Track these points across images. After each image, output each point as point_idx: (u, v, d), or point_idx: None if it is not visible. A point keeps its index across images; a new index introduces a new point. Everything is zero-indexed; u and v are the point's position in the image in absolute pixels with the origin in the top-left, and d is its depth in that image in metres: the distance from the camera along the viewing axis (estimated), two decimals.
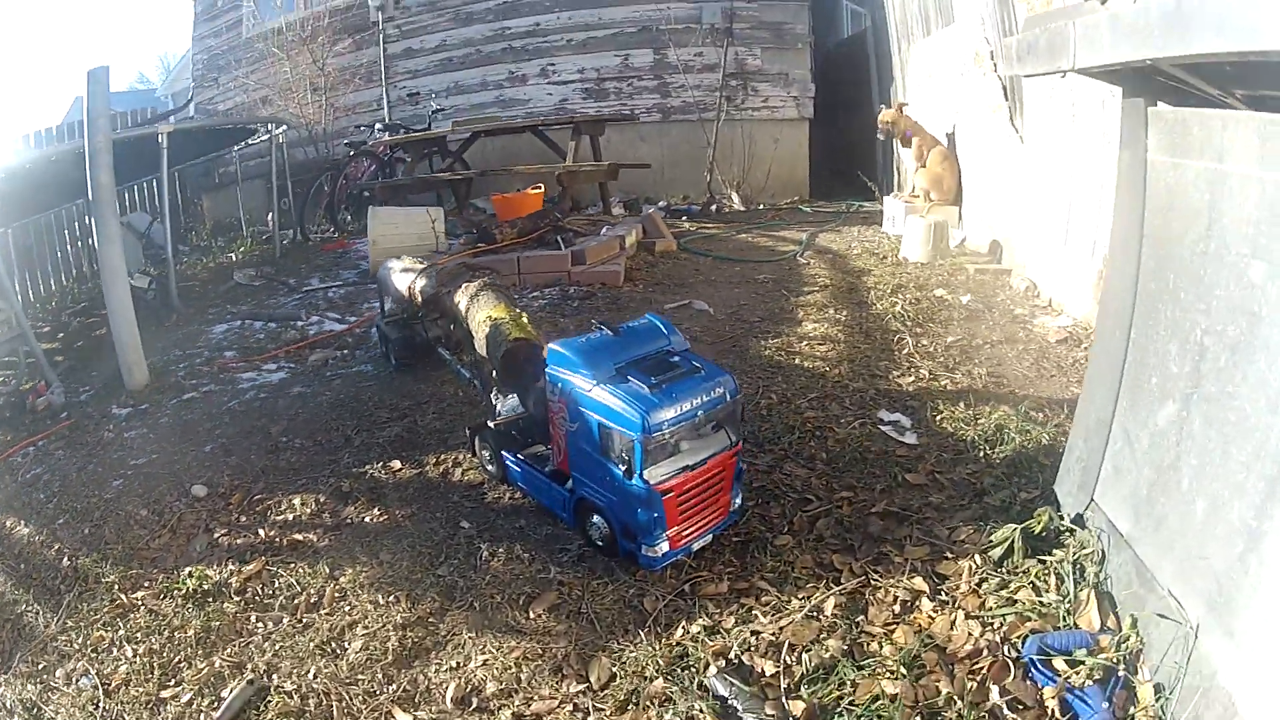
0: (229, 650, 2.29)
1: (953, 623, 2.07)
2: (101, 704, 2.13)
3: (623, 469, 2.30)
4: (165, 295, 5.97)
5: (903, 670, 1.91)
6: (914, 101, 7.07)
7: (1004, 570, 2.25)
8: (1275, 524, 1.51)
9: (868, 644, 2.06)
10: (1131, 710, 1.75)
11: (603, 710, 1.92)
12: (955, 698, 1.84)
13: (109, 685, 2.19)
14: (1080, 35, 1.96)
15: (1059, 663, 1.85)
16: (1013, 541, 2.28)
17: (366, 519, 2.93)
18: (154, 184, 8.49)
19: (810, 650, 2.02)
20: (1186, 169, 1.92)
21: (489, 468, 3.08)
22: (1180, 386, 1.90)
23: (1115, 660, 1.83)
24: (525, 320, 2.97)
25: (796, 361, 4.07)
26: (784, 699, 1.89)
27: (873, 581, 2.31)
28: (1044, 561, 2.21)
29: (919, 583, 2.26)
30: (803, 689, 1.92)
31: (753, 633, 2.12)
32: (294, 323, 5.40)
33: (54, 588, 2.73)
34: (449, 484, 3.13)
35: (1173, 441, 1.92)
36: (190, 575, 2.62)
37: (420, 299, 3.71)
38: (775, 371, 3.92)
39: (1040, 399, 3.42)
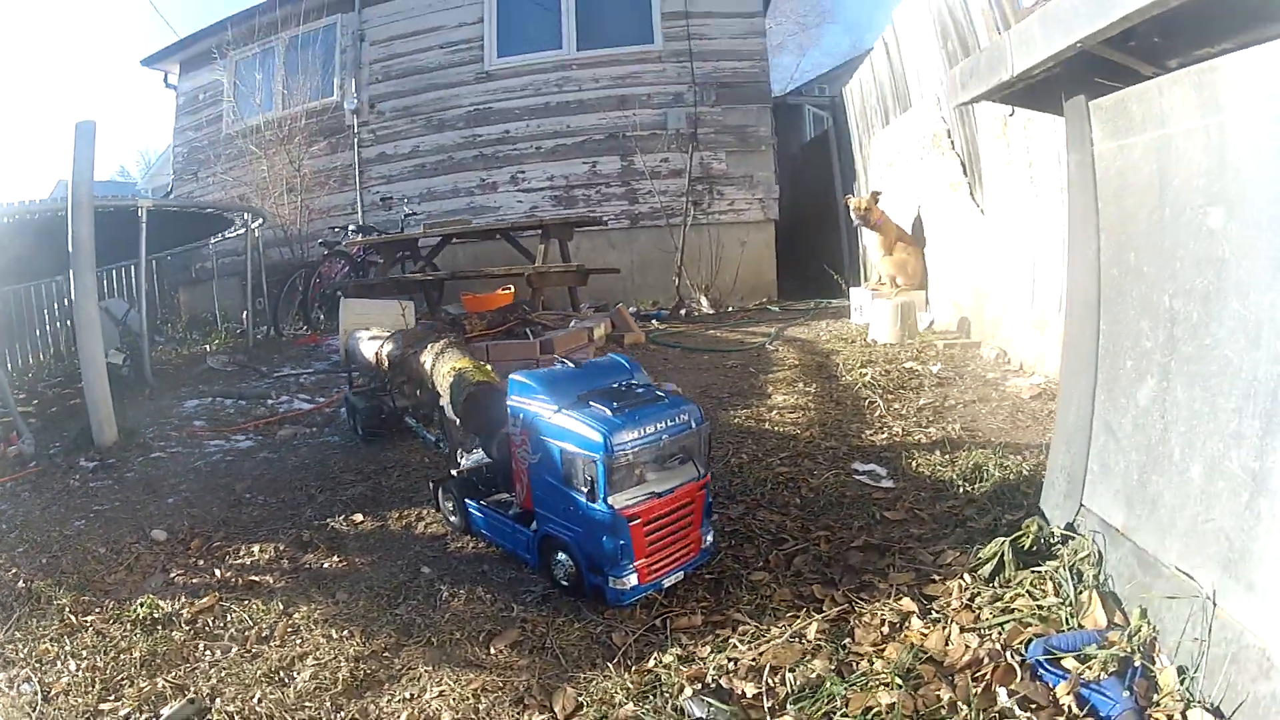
0: (173, 674, 2.17)
1: (947, 638, 1.92)
2: (39, 708, 2.04)
3: (586, 494, 2.19)
4: (139, 371, 6.00)
5: (898, 681, 1.75)
6: (876, 189, 7.31)
7: (995, 585, 2.14)
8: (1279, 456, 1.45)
9: (856, 663, 1.90)
10: (1155, 697, 1.62)
11: None
12: (959, 703, 1.68)
13: (49, 692, 2.12)
14: (1015, 41, 2.11)
15: (1069, 662, 1.73)
16: (1002, 555, 2.17)
17: (325, 564, 2.83)
18: (132, 271, 8.67)
19: (794, 671, 1.86)
20: (1132, 148, 1.98)
21: (452, 519, 2.97)
22: (1156, 359, 1.88)
23: (1130, 650, 1.71)
24: (489, 369, 2.91)
25: (767, 427, 4.02)
26: (768, 718, 1.72)
27: (857, 608, 2.17)
28: (1038, 571, 2.11)
29: (907, 603, 2.12)
30: (789, 708, 1.75)
31: (730, 659, 1.96)
32: (264, 401, 5.40)
33: (6, 604, 2.68)
34: (411, 535, 3.03)
35: (1157, 416, 1.88)
36: (141, 604, 2.53)
37: (387, 363, 3.65)
38: (745, 436, 3.86)
39: (1017, 444, 3.38)
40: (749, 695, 1.78)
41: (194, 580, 2.78)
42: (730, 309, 8.78)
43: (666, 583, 2.29)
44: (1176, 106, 1.77)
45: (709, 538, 2.41)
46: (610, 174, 9.41)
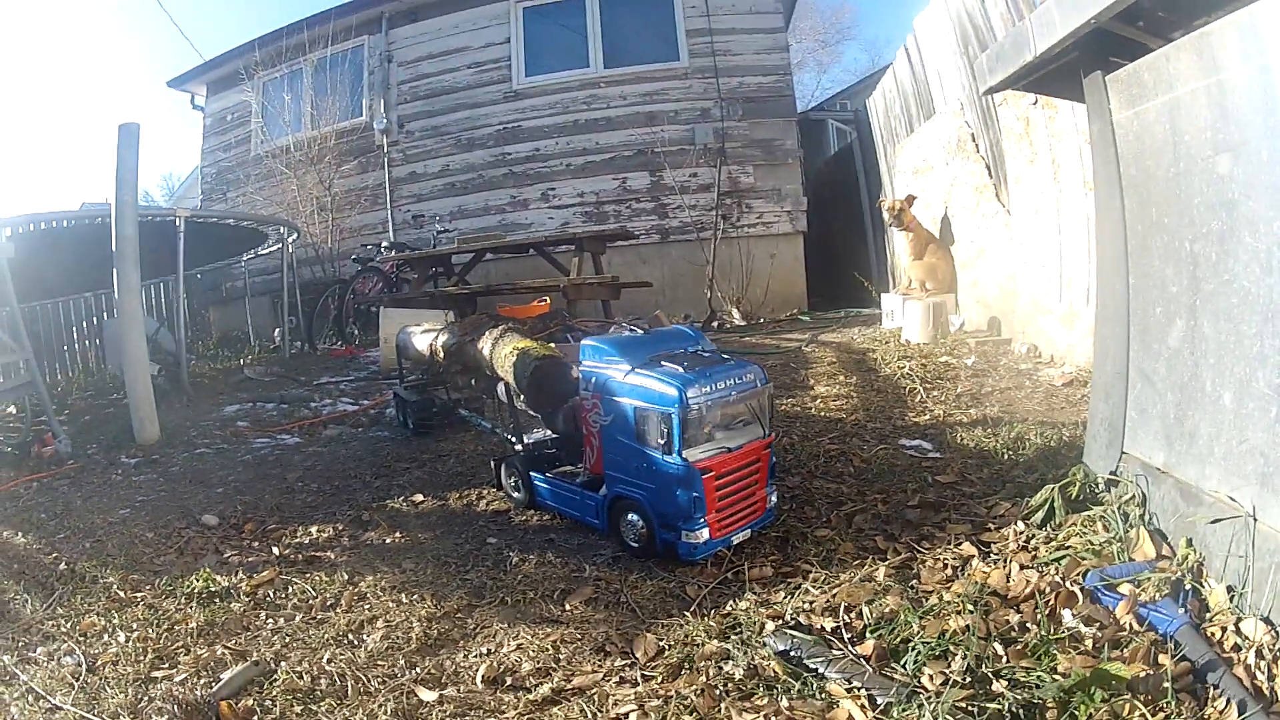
0: (233, 641, 2.17)
1: (1008, 575, 2.05)
2: (83, 678, 1.99)
3: (661, 449, 2.30)
4: (176, 381, 6.06)
5: (969, 608, 1.85)
6: (902, 197, 7.41)
7: (1048, 529, 2.27)
8: None
9: (925, 598, 2.01)
10: (1208, 615, 1.73)
11: (653, 678, 1.81)
12: (1028, 624, 1.79)
13: (94, 663, 2.08)
14: (1036, 24, 2.30)
15: (1124, 588, 1.85)
16: (1052, 501, 2.31)
17: (387, 540, 2.88)
18: (162, 290, 8.79)
19: (869, 606, 1.96)
20: (1147, 112, 2.15)
21: (515, 495, 3.08)
22: (1183, 301, 2.04)
23: (1180, 575, 1.82)
24: (553, 346, 3.04)
25: (813, 413, 4.14)
26: (849, 645, 1.81)
27: (919, 555, 2.29)
28: (1087, 515, 2.23)
29: (967, 548, 2.25)
30: (867, 637, 1.85)
31: (806, 601, 2.06)
32: (307, 404, 5.43)
33: (48, 584, 2.64)
34: (474, 512, 3.11)
35: (1188, 355, 2.01)
36: (197, 578, 2.53)
37: (443, 354, 3.78)
38: (794, 420, 3.98)
39: (1055, 422, 3.50)
40: (828, 629, 1.89)
41: (250, 559, 2.77)
42: (762, 320, 8.83)
43: (735, 539, 2.41)
44: (1182, 71, 1.96)
45: (773, 498, 2.53)
46: (640, 189, 9.52)
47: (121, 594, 2.49)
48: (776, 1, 9.54)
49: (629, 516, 2.47)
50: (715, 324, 8.64)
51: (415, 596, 2.34)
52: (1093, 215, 4.25)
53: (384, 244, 9.13)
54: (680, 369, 2.30)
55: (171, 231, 6.06)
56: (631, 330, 2.66)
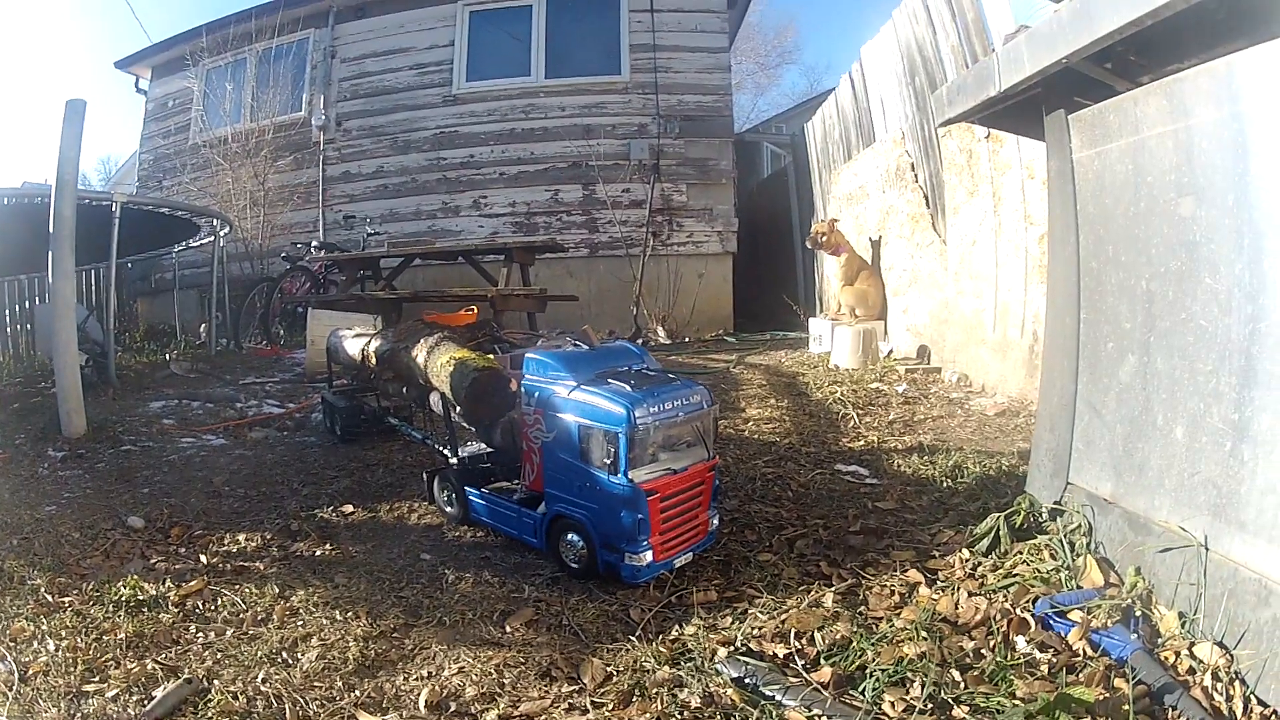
0: (163, 655, 2.03)
1: (956, 602, 2.04)
2: (15, 687, 1.88)
3: (606, 469, 2.22)
4: (103, 373, 5.86)
5: (923, 634, 1.84)
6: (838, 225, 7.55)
7: (994, 558, 2.28)
8: (1256, 406, 1.64)
9: (876, 625, 1.98)
10: (1160, 640, 1.76)
11: (604, 705, 1.73)
12: (982, 650, 1.79)
13: (25, 672, 1.95)
14: (1003, 59, 2.34)
15: (1075, 615, 1.87)
16: (997, 530, 2.32)
17: (318, 552, 2.74)
18: (92, 276, 8.48)
19: (820, 633, 1.92)
20: (1109, 153, 2.20)
21: (449, 509, 2.95)
22: (1136, 337, 2.08)
23: (1130, 602, 1.85)
24: (491, 357, 2.92)
25: (746, 435, 4.13)
26: (804, 672, 1.77)
27: (865, 581, 2.26)
28: (1032, 543, 2.26)
29: (913, 575, 2.24)
30: (822, 663, 1.81)
31: (755, 627, 2.00)
32: (233, 404, 5.25)
33: None
34: (405, 526, 2.98)
35: (1139, 389, 2.06)
36: (124, 586, 2.38)
37: (375, 360, 3.62)
38: (727, 443, 3.95)
39: (990, 451, 3.56)
40: (780, 656, 1.84)
41: (177, 566, 2.65)
42: (687, 339, 8.85)
43: (678, 563, 2.34)
44: (1150, 114, 2.01)
45: (715, 521, 2.48)
46: (572, 202, 9.45)
47: (49, 598, 2.36)
48: (722, 22, 9.63)
49: (569, 536, 2.38)
50: (640, 341, 8.57)
51: (350, 614, 2.22)
52: (1030, 249, 4.43)
53: (314, 243, 8.86)
54: (628, 387, 2.24)
55: (106, 217, 5.83)
56: (575, 345, 2.57)
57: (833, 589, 2.19)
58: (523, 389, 2.48)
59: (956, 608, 2.01)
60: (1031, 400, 4.10)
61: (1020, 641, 1.80)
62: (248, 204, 9.70)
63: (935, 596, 2.09)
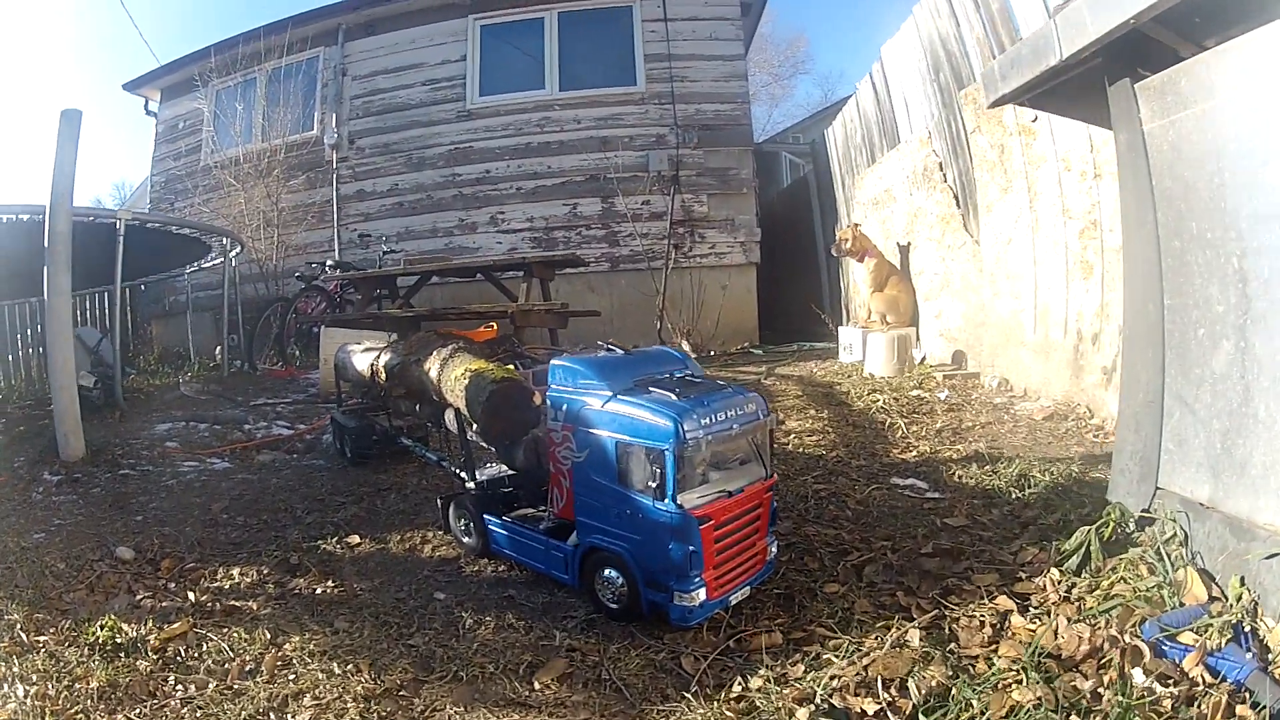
0: (137, 710, 1.80)
1: (1056, 631, 1.83)
2: None
3: (651, 493, 1.91)
4: (110, 395, 5.75)
5: (1033, 677, 1.56)
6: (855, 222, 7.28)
7: (1085, 576, 2.08)
8: None
9: (973, 665, 1.70)
10: (1270, 656, 1.64)
11: None
12: (1100, 690, 1.54)
13: None
14: (1062, 25, 2.21)
15: (1185, 636, 1.73)
16: (1088, 545, 2.15)
17: (318, 590, 2.48)
18: (105, 299, 8.41)
19: (912, 680, 1.63)
20: (1184, 121, 2.06)
21: (466, 540, 2.66)
22: (1230, 320, 1.94)
23: (1238, 616, 1.73)
24: (511, 367, 2.64)
25: (790, 449, 3.87)
26: None
27: (949, 612, 1.99)
28: (1125, 558, 2.09)
29: (1004, 602, 2.00)
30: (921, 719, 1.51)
31: (833, 676, 1.70)
32: (241, 426, 5.08)
33: None
34: (418, 559, 2.71)
35: (1237, 379, 1.91)
36: (102, 626, 2.19)
37: (384, 375, 3.35)
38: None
39: (1051, 457, 3.35)
40: (870, 713, 1.54)
41: (163, 604, 2.43)
42: (712, 352, 8.58)
43: (734, 599, 2.03)
44: (1226, 77, 1.87)
45: (773, 549, 2.18)
46: (591, 216, 9.16)
47: (24, 636, 2.20)
48: (737, 29, 9.40)
49: (606, 572, 2.07)
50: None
51: (350, 666, 1.94)
52: (1071, 244, 4.24)
53: (329, 263, 8.67)
54: (673, 396, 1.94)
55: (114, 237, 5.72)
56: (609, 350, 2.26)
57: (915, 623, 1.92)
58: (549, 402, 2.18)
59: (1057, 637, 1.81)
60: (1078, 403, 4.00)
61: (1137, 674, 1.61)
62: (261, 224, 9.50)
63: (1032, 626, 1.88)
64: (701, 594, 1.91)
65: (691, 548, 1.88)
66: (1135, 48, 2.13)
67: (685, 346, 8.48)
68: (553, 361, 2.18)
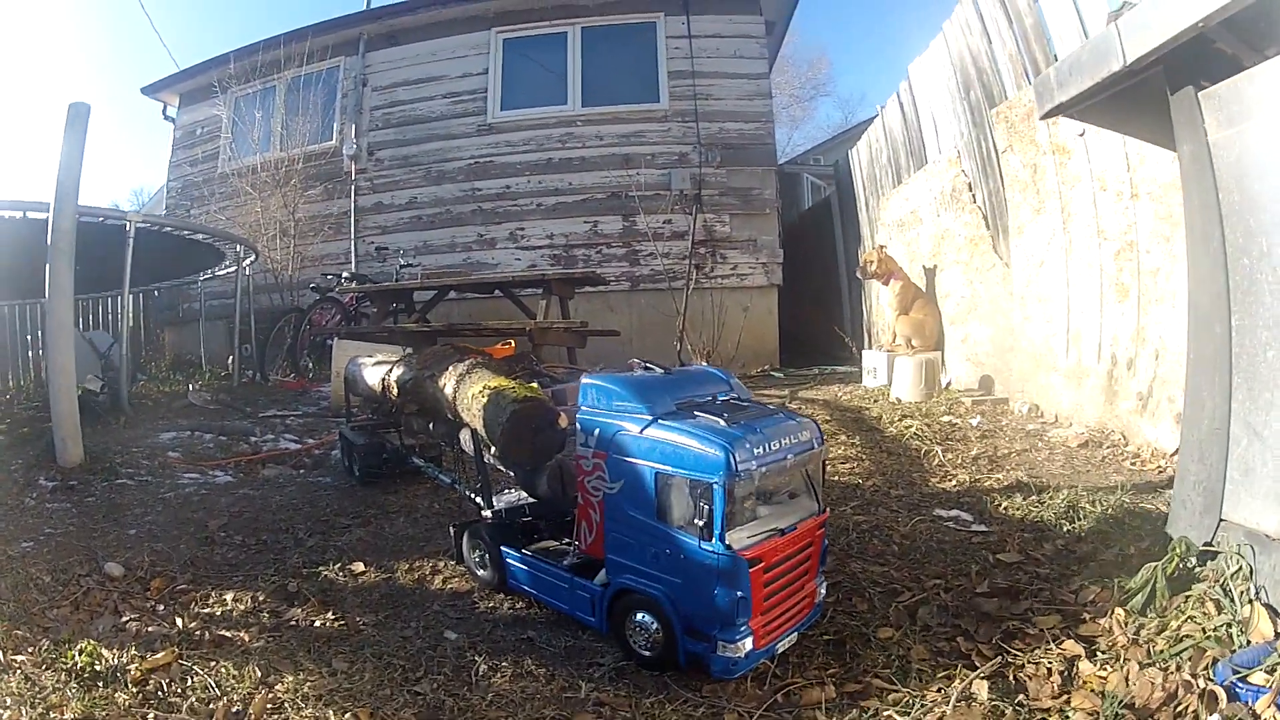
0: None
1: (1127, 677, 1.74)
2: None
3: (694, 532, 1.73)
4: (116, 400, 5.65)
5: None
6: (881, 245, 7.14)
7: (1151, 615, 1.98)
8: None
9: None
10: None
11: None
12: None
13: None
14: (1125, 30, 2.14)
15: (1257, 677, 1.65)
16: (1153, 583, 2.02)
17: (317, 622, 2.31)
18: (115, 303, 8.40)
19: None
20: (1249, 131, 1.98)
21: (481, 573, 2.48)
22: None
23: None
24: (535, 385, 2.46)
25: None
26: None
27: (1012, 659, 1.85)
28: (1189, 595, 1.98)
29: (1071, 646, 1.87)
30: None
31: None
32: (247, 438, 4.97)
33: None
34: (427, 591, 2.54)
35: None
36: (82, 651, 2.04)
37: (396, 390, 3.19)
38: None
39: (1097, 486, 3.22)
40: None
41: (149, 628, 2.28)
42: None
43: (780, 647, 1.84)
44: None
45: (822, 590, 1.99)
46: (612, 234, 8.99)
47: (1, 654, 2.07)
48: (761, 47, 9.29)
49: (639, 616, 1.88)
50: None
51: (348, 716, 1.75)
52: (1106, 266, 4.13)
53: (344, 274, 8.58)
54: (721, 422, 1.75)
55: (125, 241, 5.66)
56: (646, 368, 2.08)
57: (978, 673, 1.75)
58: (579, 425, 2.00)
59: (1128, 684, 1.72)
60: (1112, 430, 3.91)
61: None
62: (277, 234, 9.38)
63: (1103, 674, 1.78)
64: (748, 644, 1.72)
65: (740, 593, 1.69)
66: (1197, 56, 2.07)
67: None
68: (584, 380, 2.00)
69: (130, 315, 6.53)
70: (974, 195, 5.62)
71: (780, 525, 1.80)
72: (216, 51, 10.91)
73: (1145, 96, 2.40)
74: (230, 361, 8.07)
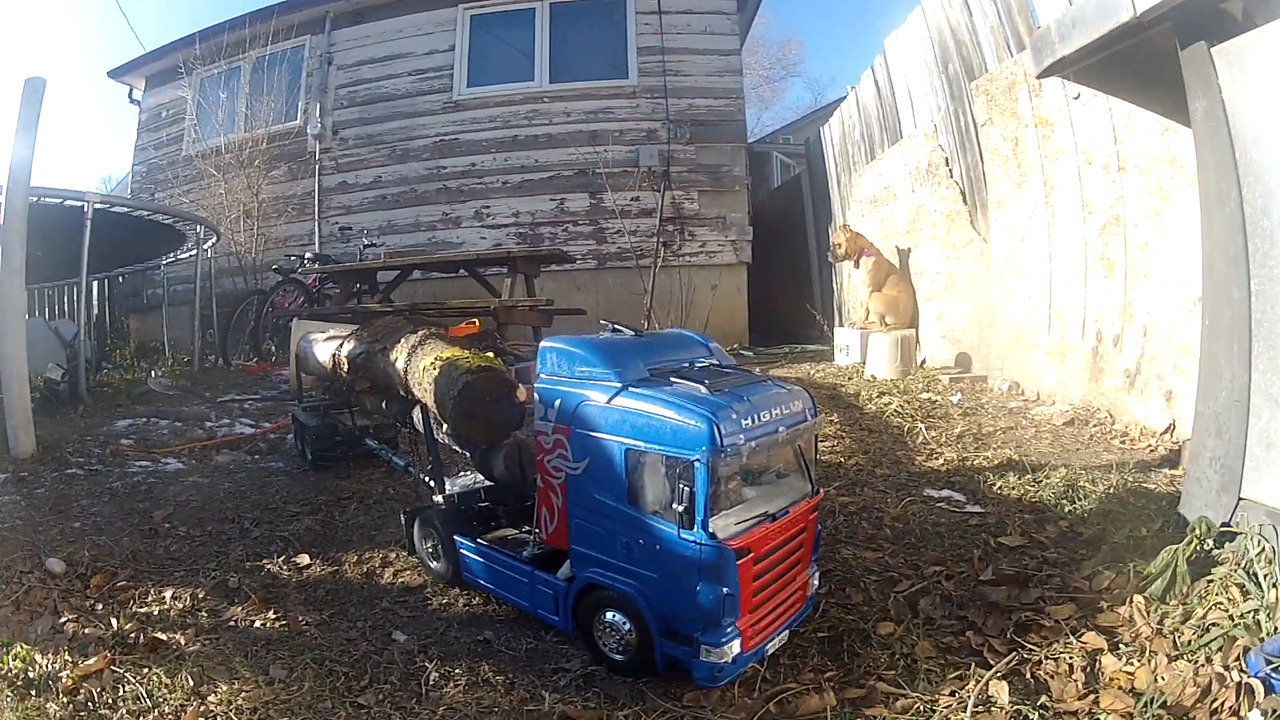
0: None
1: (1155, 671, 1.61)
2: None
3: (672, 519, 1.50)
4: (75, 389, 5.55)
5: None
6: (858, 230, 7.01)
7: (1173, 601, 1.86)
8: None
9: None
10: None
11: None
12: None
13: None
14: None
15: None
16: (1174, 567, 1.90)
17: (257, 622, 2.11)
18: (80, 291, 8.07)
19: None
20: (1272, 87, 1.91)
21: (434, 564, 2.24)
22: None
23: None
24: (491, 355, 2.21)
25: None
26: None
27: (1028, 655, 1.68)
28: (1212, 580, 1.87)
29: (1092, 639, 1.72)
30: None
31: None
32: (203, 423, 4.83)
33: None
34: (376, 586, 2.32)
35: None
36: (16, 657, 1.95)
37: (347, 366, 2.92)
38: None
39: (1095, 464, 3.10)
40: None
41: (86, 630, 2.14)
42: None
43: (770, 647, 1.61)
44: None
45: (815, 581, 1.76)
46: (578, 212, 8.82)
47: None
48: (732, 24, 9.11)
49: (609, 615, 1.65)
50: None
51: None
52: (1090, 240, 4.03)
53: (307, 255, 8.36)
54: (702, 389, 1.51)
55: (84, 222, 5.52)
56: (615, 330, 1.83)
57: (993, 672, 1.56)
58: (537, 396, 1.75)
59: (1157, 679, 1.60)
60: (1098, 408, 3.83)
61: (1254, 716, 1.43)
62: (241, 215, 9.21)
63: (1130, 669, 1.64)
64: (735, 646, 1.50)
65: (726, 589, 1.46)
66: (1206, 13, 2.01)
67: None
68: (543, 344, 1.74)
69: (94, 302, 6.26)
70: (951, 170, 5.50)
71: (770, 509, 1.57)
72: (182, 33, 10.71)
73: (1145, 57, 2.31)
74: (194, 344, 7.86)
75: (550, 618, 1.82)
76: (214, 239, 7.80)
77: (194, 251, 7.86)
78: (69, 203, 5.59)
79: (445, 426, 2.20)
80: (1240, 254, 2.03)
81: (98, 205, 5.57)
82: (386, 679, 1.76)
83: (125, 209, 6.67)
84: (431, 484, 2.32)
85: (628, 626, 1.61)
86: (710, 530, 1.46)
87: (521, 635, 1.91)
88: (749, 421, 1.50)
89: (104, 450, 4.11)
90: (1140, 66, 2.39)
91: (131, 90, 11.30)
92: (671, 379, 1.58)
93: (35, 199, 4.07)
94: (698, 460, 1.44)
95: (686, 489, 1.45)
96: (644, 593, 1.56)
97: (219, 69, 9.79)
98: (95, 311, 9.11)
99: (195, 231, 7.53)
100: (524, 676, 1.71)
